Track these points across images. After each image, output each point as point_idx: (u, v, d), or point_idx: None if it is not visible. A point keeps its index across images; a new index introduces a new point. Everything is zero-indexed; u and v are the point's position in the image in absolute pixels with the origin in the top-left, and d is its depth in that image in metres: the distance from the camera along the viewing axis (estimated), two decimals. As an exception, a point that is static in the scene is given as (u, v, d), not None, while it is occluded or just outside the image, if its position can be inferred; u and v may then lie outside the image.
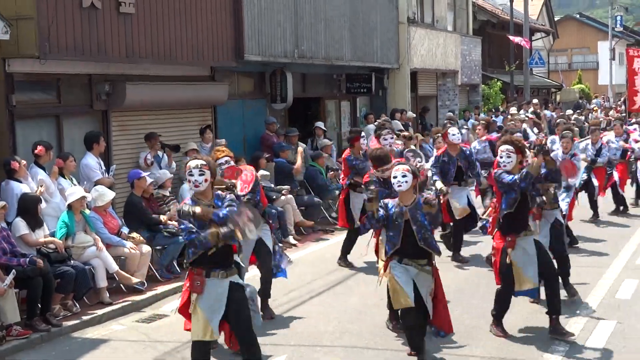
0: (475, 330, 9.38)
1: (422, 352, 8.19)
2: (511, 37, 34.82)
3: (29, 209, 10.48)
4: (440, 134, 15.38)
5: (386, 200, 8.30)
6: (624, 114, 35.89)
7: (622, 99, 49.87)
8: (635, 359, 8.33)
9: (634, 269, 12.27)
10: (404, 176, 8.05)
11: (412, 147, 17.94)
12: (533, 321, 9.62)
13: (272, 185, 15.74)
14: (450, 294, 10.41)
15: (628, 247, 13.89)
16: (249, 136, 18.15)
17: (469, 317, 9.89)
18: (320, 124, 19.77)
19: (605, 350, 8.59)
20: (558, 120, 21.47)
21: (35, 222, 10.50)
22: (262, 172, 14.25)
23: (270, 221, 10.67)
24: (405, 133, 18.55)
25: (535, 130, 24.47)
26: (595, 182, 16.14)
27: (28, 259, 9.81)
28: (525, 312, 9.98)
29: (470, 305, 10.33)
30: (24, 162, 11.13)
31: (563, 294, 9.88)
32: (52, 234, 10.82)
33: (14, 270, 9.46)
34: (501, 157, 8.92)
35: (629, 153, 17.92)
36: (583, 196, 15.90)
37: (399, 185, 8.08)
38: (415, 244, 8.05)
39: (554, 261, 9.63)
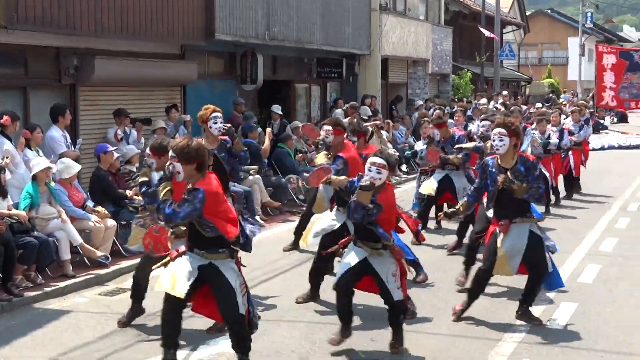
0: (442, 310, 9.43)
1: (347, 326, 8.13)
2: (482, 29, 34.97)
3: (-8, 178, 10.37)
4: (427, 118, 15.35)
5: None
6: (592, 109, 36.23)
7: (591, 94, 50.29)
8: (595, 339, 8.39)
9: (597, 255, 12.41)
10: (378, 172, 7.74)
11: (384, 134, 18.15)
12: (498, 304, 9.68)
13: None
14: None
15: (592, 235, 14.01)
16: (217, 117, 18.04)
17: (435, 298, 9.96)
18: (276, 108, 19.56)
19: (566, 331, 8.67)
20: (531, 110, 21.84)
21: (-1, 192, 10.41)
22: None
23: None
24: (378, 122, 18.59)
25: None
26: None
27: None
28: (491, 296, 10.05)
29: (438, 288, 10.41)
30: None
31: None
32: (16, 205, 10.72)
33: None
34: (494, 141, 8.76)
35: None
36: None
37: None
38: (366, 227, 7.86)
39: None
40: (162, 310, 7.16)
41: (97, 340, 8.36)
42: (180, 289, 6.95)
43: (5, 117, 11.29)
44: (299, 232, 11.92)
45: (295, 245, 12.51)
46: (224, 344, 8.20)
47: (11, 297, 9.74)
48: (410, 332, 8.59)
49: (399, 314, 7.89)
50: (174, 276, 7.01)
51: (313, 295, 9.80)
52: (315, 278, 9.77)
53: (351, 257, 7.97)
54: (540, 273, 8.83)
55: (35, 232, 10.44)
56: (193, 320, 8.76)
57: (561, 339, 8.41)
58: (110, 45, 14.66)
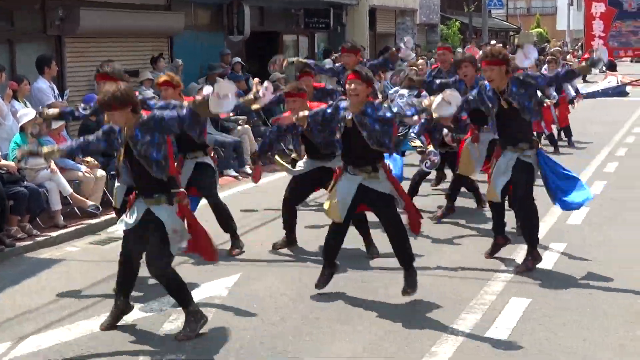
0: (432, 251, 9.52)
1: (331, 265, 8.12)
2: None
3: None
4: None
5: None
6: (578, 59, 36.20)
7: (580, 44, 50.17)
8: (583, 278, 8.47)
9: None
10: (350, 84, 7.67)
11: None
12: (487, 246, 9.78)
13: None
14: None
15: (581, 179, 14.00)
16: (205, 68, 18.00)
17: (426, 239, 10.05)
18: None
19: (554, 271, 8.75)
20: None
21: (-14, 143, 10.40)
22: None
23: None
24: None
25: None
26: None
27: None
28: (481, 237, 10.15)
29: (429, 230, 10.47)
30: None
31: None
32: (5, 157, 10.72)
33: None
34: (485, 72, 8.63)
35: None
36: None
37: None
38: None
39: None
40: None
41: (89, 287, 8.41)
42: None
43: None
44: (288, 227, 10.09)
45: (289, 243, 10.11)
46: (214, 288, 8.28)
47: (3, 247, 9.78)
48: (401, 273, 8.67)
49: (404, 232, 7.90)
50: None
51: (290, 240, 9.85)
52: (289, 221, 9.79)
53: (347, 190, 7.79)
54: (517, 196, 8.83)
55: (25, 183, 10.45)
56: (185, 267, 8.85)
57: (549, 278, 8.48)
58: (96, -4, 14.58)
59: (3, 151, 10.79)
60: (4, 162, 10.47)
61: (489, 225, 10.23)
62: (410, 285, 7.81)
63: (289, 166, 9.87)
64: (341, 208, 7.79)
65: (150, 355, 6.65)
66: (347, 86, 7.74)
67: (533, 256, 8.75)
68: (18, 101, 11.63)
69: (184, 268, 8.88)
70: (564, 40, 55.18)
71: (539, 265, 8.89)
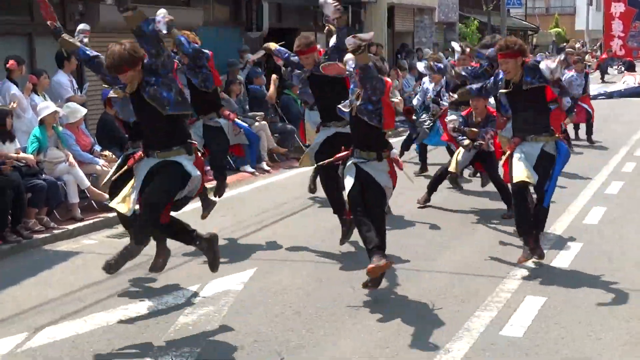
0: (447, 249, 9.52)
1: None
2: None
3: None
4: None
5: None
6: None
7: (598, 44, 49.99)
8: (599, 277, 8.44)
9: (603, 198, 12.45)
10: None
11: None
12: (503, 244, 9.77)
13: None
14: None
15: (598, 178, 14.04)
16: (222, 64, 17.98)
17: (440, 237, 10.06)
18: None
19: (570, 269, 8.72)
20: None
21: (5, 135, 10.43)
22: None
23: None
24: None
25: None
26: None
27: None
28: (496, 236, 10.16)
29: (444, 228, 10.48)
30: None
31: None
32: (24, 150, 10.78)
33: None
34: (501, 65, 8.58)
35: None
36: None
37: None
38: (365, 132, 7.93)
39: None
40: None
41: (105, 280, 8.42)
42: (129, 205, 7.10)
43: (11, 62, 11.32)
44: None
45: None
46: (230, 282, 8.30)
47: (20, 239, 9.85)
48: (416, 270, 8.73)
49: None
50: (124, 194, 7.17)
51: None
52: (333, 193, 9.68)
53: (351, 170, 7.95)
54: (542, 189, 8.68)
55: (44, 175, 10.51)
56: (200, 261, 8.87)
57: (565, 277, 8.46)
58: (116, -9, 14.58)
59: (22, 144, 10.85)
60: (23, 154, 10.53)
61: (505, 224, 10.25)
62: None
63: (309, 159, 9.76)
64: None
65: (165, 348, 6.68)
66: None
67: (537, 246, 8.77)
68: (37, 95, 11.68)
69: (198, 262, 8.92)
70: (583, 40, 54.91)
71: (555, 264, 8.90)
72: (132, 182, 7.17)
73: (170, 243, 7.79)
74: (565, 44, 47.95)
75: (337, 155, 8.39)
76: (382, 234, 7.83)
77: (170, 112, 6.84)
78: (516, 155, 8.61)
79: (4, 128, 10.40)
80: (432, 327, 7.06)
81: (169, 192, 7.00)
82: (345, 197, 8.07)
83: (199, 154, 7.24)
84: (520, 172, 8.49)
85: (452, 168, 11.42)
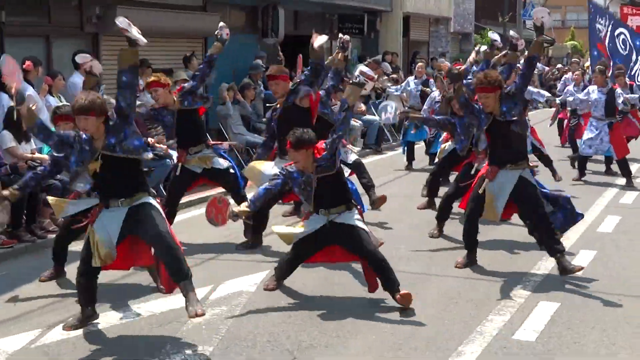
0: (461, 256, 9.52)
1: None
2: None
3: (15, 122, 10.44)
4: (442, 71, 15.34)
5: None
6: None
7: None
8: (613, 284, 8.42)
9: (617, 207, 12.42)
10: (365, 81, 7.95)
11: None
12: (516, 252, 9.75)
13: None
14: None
15: (613, 188, 14.02)
16: (239, 70, 18.08)
17: (454, 243, 10.06)
18: None
19: (584, 276, 8.68)
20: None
21: (21, 135, 10.48)
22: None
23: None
24: (394, 75, 18.69)
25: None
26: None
27: (8, 165, 9.85)
28: (510, 243, 10.14)
29: (458, 234, 10.46)
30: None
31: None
32: (40, 150, 10.82)
33: None
34: (480, 99, 8.58)
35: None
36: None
37: None
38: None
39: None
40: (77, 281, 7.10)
41: (118, 279, 8.45)
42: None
43: (27, 62, 11.37)
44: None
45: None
46: (242, 284, 8.31)
47: (35, 238, 9.89)
48: (431, 275, 8.74)
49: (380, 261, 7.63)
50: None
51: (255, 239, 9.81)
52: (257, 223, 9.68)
53: (311, 225, 7.80)
54: (538, 213, 8.65)
55: (58, 176, 10.52)
56: (213, 263, 8.92)
57: (578, 283, 8.43)
58: (133, -4, 14.71)
59: (37, 145, 10.88)
60: (38, 155, 10.57)
61: (517, 229, 10.23)
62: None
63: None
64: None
65: (177, 347, 6.69)
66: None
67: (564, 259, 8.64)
68: (52, 96, 11.74)
69: (212, 264, 8.98)
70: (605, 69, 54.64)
71: (569, 271, 8.87)
72: (94, 237, 6.85)
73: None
74: (581, 58, 47.87)
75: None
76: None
77: (148, 155, 6.92)
78: (491, 189, 8.66)
79: (20, 128, 10.43)
80: (444, 330, 7.05)
81: (164, 220, 6.94)
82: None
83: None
84: (491, 211, 8.73)
85: None
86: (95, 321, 7.16)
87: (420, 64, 19.18)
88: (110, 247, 6.81)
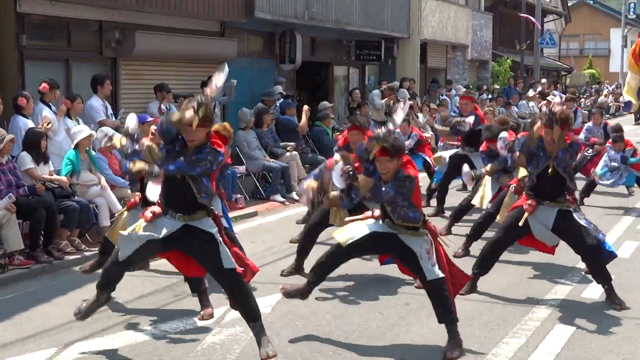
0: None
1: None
2: (522, 15, 34.78)
3: (34, 143, 10.54)
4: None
5: None
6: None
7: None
8: (630, 308, 8.36)
9: (635, 232, 12.38)
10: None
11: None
12: (533, 275, 9.72)
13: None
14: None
15: (631, 214, 13.98)
16: (255, 95, 18.17)
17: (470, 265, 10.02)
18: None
19: (601, 301, 8.64)
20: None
21: (40, 157, 10.57)
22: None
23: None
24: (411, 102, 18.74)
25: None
26: None
27: (26, 186, 9.93)
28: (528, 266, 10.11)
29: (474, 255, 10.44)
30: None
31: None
32: (57, 172, 10.90)
33: (10, 194, 9.52)
34: (547, 135, 8.19)
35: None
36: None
37: None
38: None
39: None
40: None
41: (134, 300, 8.49)
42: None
43: (43, 85, 11.49)
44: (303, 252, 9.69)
45: (297, 270, 9.66)
46: (258, 304, 8.30)
47: (52, 259, 9.94)
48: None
49: (438, 295, 7.18)
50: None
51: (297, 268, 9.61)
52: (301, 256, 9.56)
53: (370, 224, 7.42)
54: (587, 245, 8.39)
55: (76, 197, 10.62)
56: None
57: (595, 308, 8.42)
58: (152, 21, 14.82)
59: (56, 167, 10.98)
60: (56, 176, 10.65)
61: (535, 253, 10.19)
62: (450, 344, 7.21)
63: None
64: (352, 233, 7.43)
65: (192, 366, 6.71)
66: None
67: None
68: (71, 119, 11.83)
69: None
70: (618, 82, 54.70)
71: (586, 295, 8.86)
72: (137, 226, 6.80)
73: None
74: (597, 85, 47.87)
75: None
76: None
77: (203, 201, 6.62)
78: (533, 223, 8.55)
79: (38, 150, 10.54)
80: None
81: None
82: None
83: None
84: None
85: (476, 202, 11.37)
86: (110, 341, 7.18)
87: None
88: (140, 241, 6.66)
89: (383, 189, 7.05)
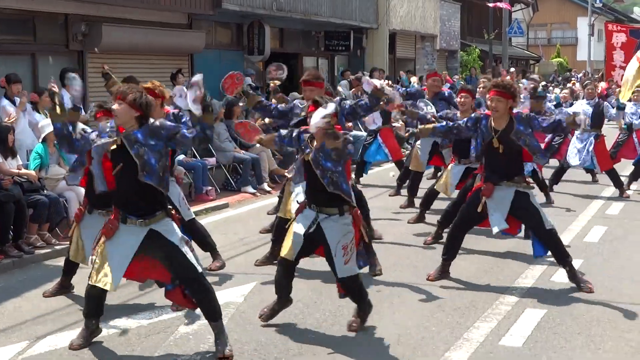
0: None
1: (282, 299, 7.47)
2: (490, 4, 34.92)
3: (1, 138, 10.44)
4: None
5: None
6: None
7: (600, 74, 50.12)
8: (599, 291, 8.45)
9: (603, 217, 12.49)
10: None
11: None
12: (502, 261, 9.78)
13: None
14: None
15: (600, 199, 14.12)
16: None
17: (439, 254, 10.08)
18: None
19: (571, 284, 8.72)
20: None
21: (7, 151, 10.48)
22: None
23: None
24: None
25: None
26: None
27: None
28: (496, 254, 10.18)
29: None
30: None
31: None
32: (26, 166, 10.83)
33: None
34: (491, 102, 8.44)
35: None
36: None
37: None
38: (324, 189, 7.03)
39: None
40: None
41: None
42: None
43: (1, 79, 11.42)
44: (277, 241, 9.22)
45: (272, 259, 9.54)
46: (230, 295, 8.32)
47: (22, 254, 9.88)
48: (415, 284, 8.74)
49: (349, 291, 7.22)
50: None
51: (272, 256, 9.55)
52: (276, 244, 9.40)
53: (299, 227, 7.18)
54: (546, 229, 8.53)
55: (45, 192, 10.55)
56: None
57: (565, 291, 8.50)
58: (118, 13, 14.76)
59: (24, 161, 10.90)
60: (24, 171, 10.58)
61: (504, 241, 10.27)
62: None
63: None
64: (294, 247, 7.18)
65: (164, 356, 6.70)
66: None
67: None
68: (39, 113, 11.75)
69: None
70: (585, 70, 55.07)
71: (556, 279, 8.94)
72: (101, 251, 6.64)
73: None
74: (568, 72, 48.19)
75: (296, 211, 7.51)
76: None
77: (145, 180, 6.40)
78: (489, 205, 8.59)
79: (6, 144, 10.46)
80: (431, 338, 7.08)
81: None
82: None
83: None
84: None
85: (440, 189, 11.33)
86: (83, 333, 7.16)
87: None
88: (116, 276, 6.55)
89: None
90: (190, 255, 6.57)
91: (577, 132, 14.64)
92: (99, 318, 6.92)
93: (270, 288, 8.39)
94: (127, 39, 14.80)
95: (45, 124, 11.03)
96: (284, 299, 7.44)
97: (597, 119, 14.73)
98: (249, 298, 8.27)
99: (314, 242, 7.22)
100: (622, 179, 14.75)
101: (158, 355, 6.73)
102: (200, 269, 6.61)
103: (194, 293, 6.67)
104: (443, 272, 8.89)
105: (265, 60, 19.91)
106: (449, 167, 11.24)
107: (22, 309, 8.03)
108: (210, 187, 14.26)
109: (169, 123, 6.66)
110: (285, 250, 7.24)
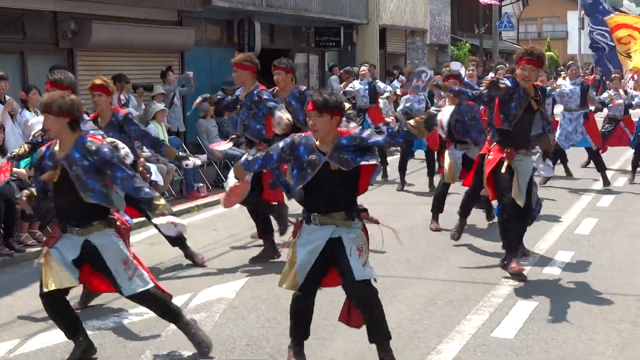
0: (440, 259, 9.57)
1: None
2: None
3: (-10, 135, 10.44)
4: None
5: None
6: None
7: (590, 67, 50.17)
8: (590, 282, 8.48)
9: (594, 210, 12.52)
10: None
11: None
12: (495, 254, 9.80)
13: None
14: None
15: (590, 192, 14.14)
16: (216, 84, 18.10)
17: (434, 247, 10.10)
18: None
19: (563, 276, 8.76)
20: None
21: (-4, 149, 10.48)
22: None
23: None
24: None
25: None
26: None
27: None
28: (488, 247, 10.20)
29: (438, 238, 10.53)
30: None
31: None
32: (17, 165, 10.77)
33: None
34: (524, 70, 8.35)
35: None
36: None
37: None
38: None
39: None
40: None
41: (98, 290, 8.44)
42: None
43: None
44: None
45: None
46: (222, 291, 8.32)
47: (12, 252, 9.86)
48: (408, 278, 8.76)
49: (365, 302, 6.16)
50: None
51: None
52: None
53: (310, 250, 6.19)
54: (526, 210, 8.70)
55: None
56: (194, 271, 8.93)
57: (558, 283, 8.53)
58: (108, 11, 14.71)
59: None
60: (15, 169, 10.53)
61: (496, 234, 10.27)
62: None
63: None
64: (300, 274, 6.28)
65: (156, 352, 6.69)
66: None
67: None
68: (29, 111, 11.72)
69: (193, 272, 9.00)
70: (576, 63, 55.09)
71: (547, 271, 8.96)
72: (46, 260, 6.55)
73: (163, 254, 7.74)
74: (562, 66, 48.13)
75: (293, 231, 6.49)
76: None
77: (92, 200, 6.21)
78: (517, 171, 8.58)
79: (-6, 142, 10.45)
80: (423, 330, 7.09)
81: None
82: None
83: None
84: (516, 194, 8.51)
85: (449, 180, 11.24)
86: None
87: (364, 67, 18.21)
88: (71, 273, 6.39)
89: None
90: (121, 278, 6.30)
91: (565, 113, 14.83)
92: (80, 333, 6.51)
93: (261, 283, 8.43)
94: (117, 36, 14.75)
95: (36, 122, 10.99)
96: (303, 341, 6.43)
97: (584, 98, 14.91)
98: (241, 293, 8.26)
99: (327, 263, 6.29)
100: (610, 172, 14.83)
101: (150, 351, 6.72)
102: (132, 290, 6.32)
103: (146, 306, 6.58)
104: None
105: (256, 57, 19.83)
106: (446, 155, 11.09)
107: (13, 307, 8.02)
108: (201, 184, 14.25)
109: (105, 151, 6.19)
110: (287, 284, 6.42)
